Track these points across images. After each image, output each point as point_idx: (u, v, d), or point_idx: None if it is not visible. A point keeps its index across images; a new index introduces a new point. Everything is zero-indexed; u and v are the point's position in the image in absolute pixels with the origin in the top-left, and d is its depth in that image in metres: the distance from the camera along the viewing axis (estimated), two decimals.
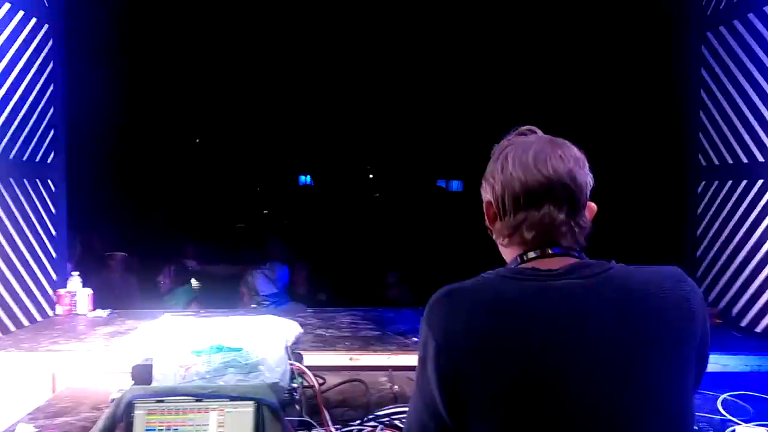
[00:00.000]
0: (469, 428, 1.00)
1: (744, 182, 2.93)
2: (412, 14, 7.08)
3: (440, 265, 6.13)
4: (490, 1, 6.61)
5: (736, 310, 2.92)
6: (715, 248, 3.11)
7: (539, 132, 1.21)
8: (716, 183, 3.15)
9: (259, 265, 4.95)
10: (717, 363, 2.30)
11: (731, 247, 2.98)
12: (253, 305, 4.74)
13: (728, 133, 3.04)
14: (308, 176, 11.13)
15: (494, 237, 1.21)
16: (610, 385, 0.98)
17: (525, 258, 1.12)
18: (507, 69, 7.34)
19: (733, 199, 3.00)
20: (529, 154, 1.12)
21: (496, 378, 0.99)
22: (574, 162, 1.13)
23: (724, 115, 3.07)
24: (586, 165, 1.15)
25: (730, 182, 3.04)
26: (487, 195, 1.19)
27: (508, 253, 1.18)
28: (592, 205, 1.16)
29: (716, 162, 3.15)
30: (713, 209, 3.15)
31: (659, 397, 1.00)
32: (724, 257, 3.03)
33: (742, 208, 2.93)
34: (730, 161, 3.03)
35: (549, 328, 1.00)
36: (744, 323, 2.86)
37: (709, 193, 3.20)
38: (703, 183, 3.26)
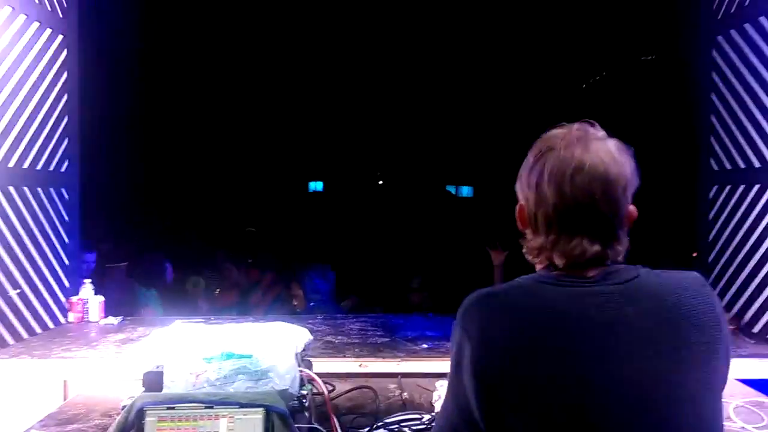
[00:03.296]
0: None
1: (756, 186, 2.90)
2: (422, 21, 7.10)
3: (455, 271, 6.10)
4: (500, 8, 6.62)
5: (749, 315, 2.89)
6: (728, 253, 3.08)
7: (593, 130, 1.10)
8: (728, 187, 3.12)
9: (310, 267, 4.94)
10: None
11: (744, 252, 2.95)
12: (296, 306, 4.74)
13: (740, 137, 3.02)
14: (319, 183, 11.16)
15: (524, 240, 1.16)
16: (647, 389, 0.99)
17: (556, 266, 1.10)
18: (517, 75, 7.33)
19: (746, 203, 2.97)
20: (567, 171, 1.05)
21: (533, 382, 0.99)
22: (615, 174, 1.06)
23: (735, 119, 3.05)
24: (630, 167, 1.08)
25: (742, 187, 3.01)
26: (521, 198, 1.15)
27: (537, 261, 1.15)
28: (632, 211, 1.11)
29: (728, 166, 3.13)
30: (725, 214, 3.12)
31: (695, 402, 1.01)
32: (736, 262, 3.01)
33: (754, 213, 2.90)
34: (742, 165, 3.01)
35: (586, 332, 1.01)
36: (757, 329, 2.82)
37: (721, 198, 3.17)
38: (715, 188, 3.23)
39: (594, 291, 1.04)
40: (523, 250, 1.16)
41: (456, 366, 1.06)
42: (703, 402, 1.02)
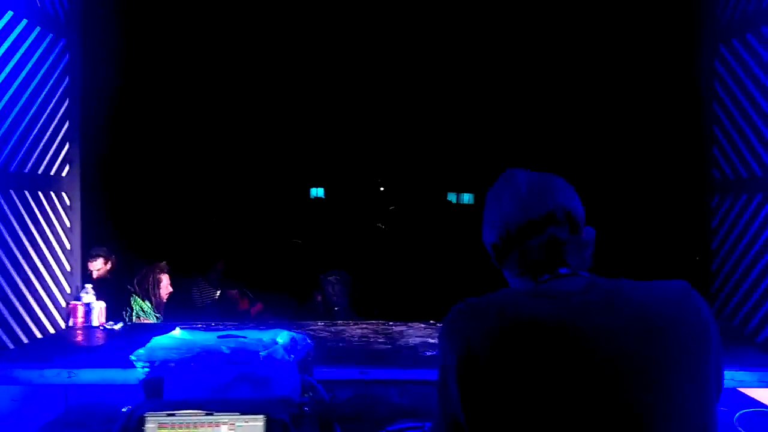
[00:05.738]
0: None
1: (759, 196, 2.90)
2: (424, 28, 7.12)
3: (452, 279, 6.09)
4: (502, 16, 6.64)
5: (752, 325, 2.87)
6: (731, 263, 3.07)
7: (523, 171, 1.27)
8: (731, 197, 3.12)
9: (331, 274, 4.86)
10: (732, 379, 2.26)
11: (747, 261, 2.94)
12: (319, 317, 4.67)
13: (742, 147, 3.01)
14: (320, 189, 11.16)
15: (506, 274, 1.24)
16: (633, 398, 0.99)
17: (538, 280, 1.15)
18: (519, 83, 7.35)
19: (749, 213, 2.96)
20: (522, 189, 1.19)
21: (515, 390, 1.00)
22: (564, 190, 1.20)
23: (737, 128, 3.05)
24: (575, 193, 1.22)
25: (745, 196, 3.00)
26: (491, 238, 1.23)
27: (521, 283, 1.20)
28: (591, 230, 1.21)
29: (731, 176, 3.12)
30: (728, 223, 3.12)
31: (685, 409, 1.01)
32: (739, 272, 2.99)
33: (757, 222, 2.89)
34: (745, 175, 3.00)
35: (566, 341, 1.02)
36: (760, 339, 2.81)
37: (724, 207, 3.16)
38: (718, 197, 3.23)
39: (574, 301, 1.07)
40: (508, 276, 1.24)
41: (441, 374, 1.08)
42: (692, 410, 1.01)
